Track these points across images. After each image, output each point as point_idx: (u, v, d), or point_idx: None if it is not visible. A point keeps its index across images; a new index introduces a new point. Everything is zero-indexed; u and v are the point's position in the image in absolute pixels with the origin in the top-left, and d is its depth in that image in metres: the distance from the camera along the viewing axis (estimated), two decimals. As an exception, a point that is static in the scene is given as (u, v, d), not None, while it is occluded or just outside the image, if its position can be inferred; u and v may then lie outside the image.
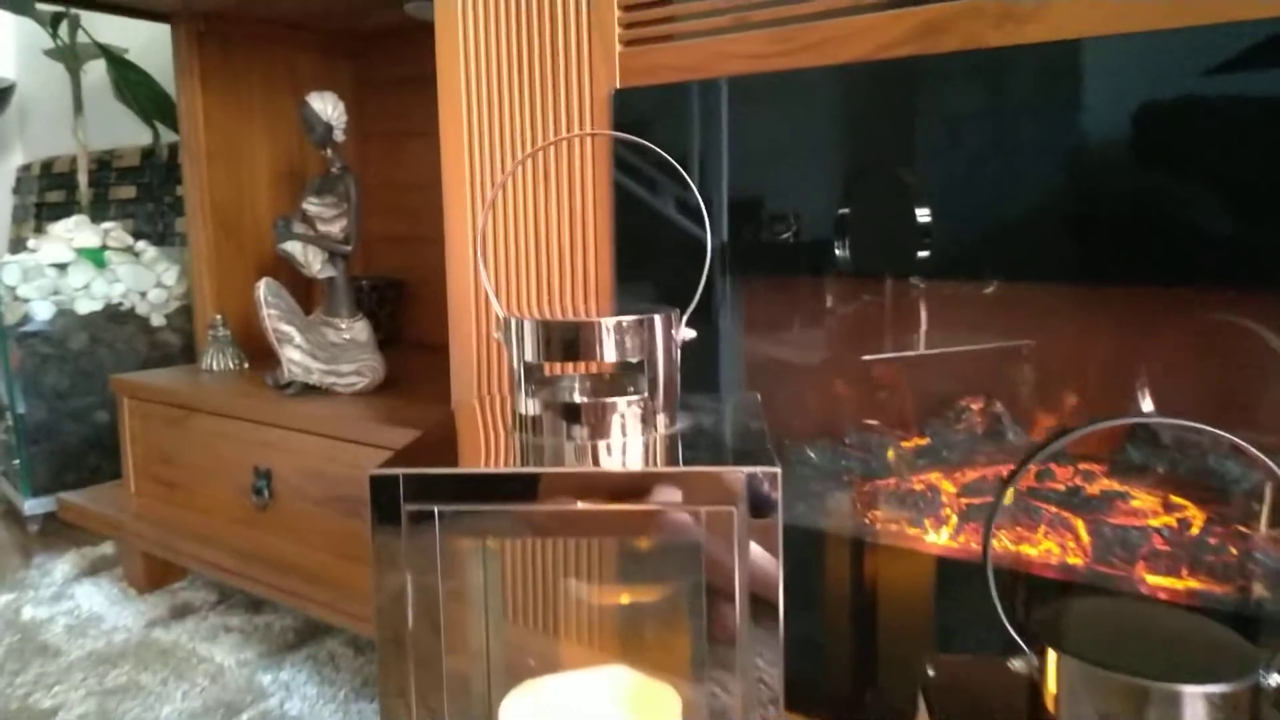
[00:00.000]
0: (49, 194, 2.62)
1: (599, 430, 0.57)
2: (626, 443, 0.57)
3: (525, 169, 0.92)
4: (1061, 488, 0.73)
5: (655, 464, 0.53)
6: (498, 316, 0.60)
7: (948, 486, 0.78)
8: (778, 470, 0.50)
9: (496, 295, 0.91)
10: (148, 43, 2.11)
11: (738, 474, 0.50)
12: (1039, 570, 0.72)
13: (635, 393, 0.59)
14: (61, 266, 1.93)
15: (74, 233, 1.99)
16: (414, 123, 1.78)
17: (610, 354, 0.56)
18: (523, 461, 0.54)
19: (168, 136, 2.20)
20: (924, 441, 0.80)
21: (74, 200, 2.42)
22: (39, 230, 2.45)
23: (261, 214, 1.70)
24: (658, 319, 0.58)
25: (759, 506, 0.50)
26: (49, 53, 2.19)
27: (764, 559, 0.51)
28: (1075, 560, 0.72)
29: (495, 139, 0.94)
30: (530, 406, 0.58)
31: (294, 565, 1.22)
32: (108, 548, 1.69)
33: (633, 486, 0.51)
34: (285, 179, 1.75)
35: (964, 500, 0.77)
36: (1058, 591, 0.71)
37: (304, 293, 1.57)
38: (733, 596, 0.51)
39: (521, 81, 0.92)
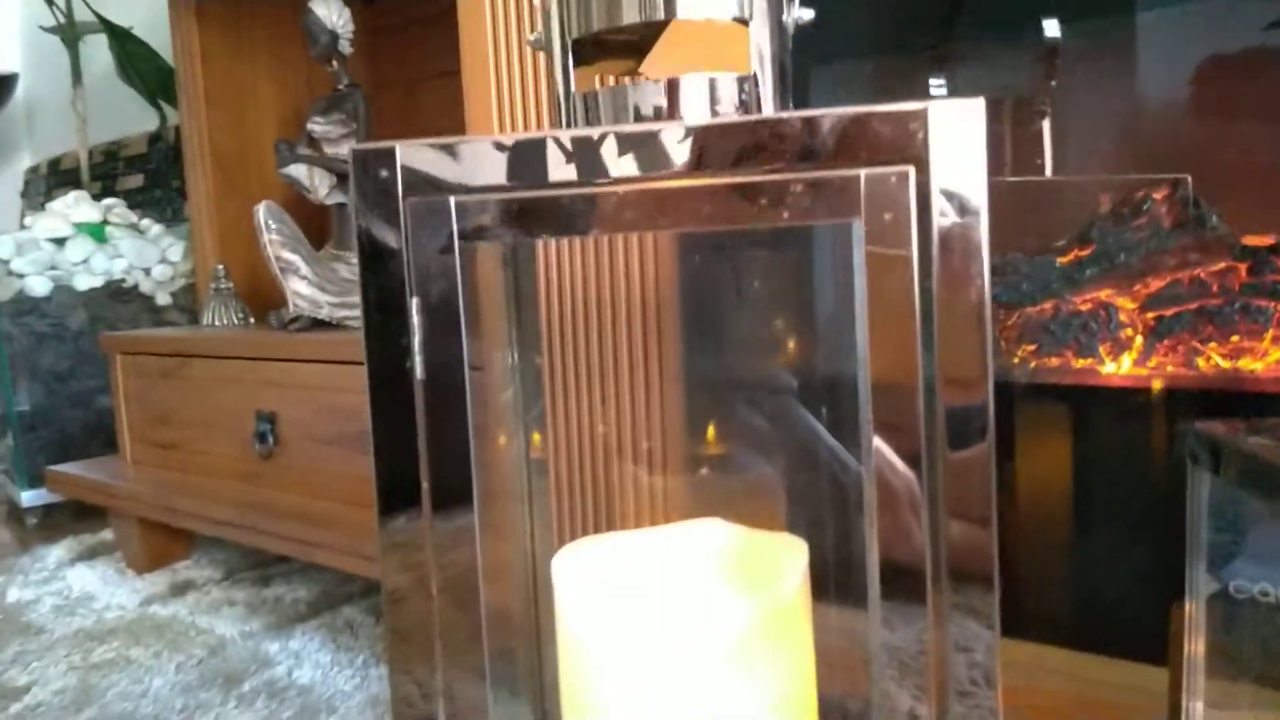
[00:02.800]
0: (57, 191, 2.51)
1: (682, 117, 0.39)
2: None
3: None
4: (1294, 277, 0.55)
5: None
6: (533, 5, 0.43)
7: (1126, 303, 0.60)
8: (980, 100, 0.32)
9: None
10: (151, 21, 2.00)
11: (919, 111, 0.32)
12: (1269, 388, 0.53)
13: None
14: (59, 241, 1.80)
15: (73, 208, 1.86)
16: (432, 65, 1.63)
17: (697, 4, 0.39)
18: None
19: (174, 119, 2.07)
20: (1087, 251, 0.62)
21: (82, 194, 2.30)
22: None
23: (269, 162, 1.55)
24: (761, -27, 0.40)
25: (955, 160, 0.32)
26: (47, 29, 2.09)
27: (963, 246, 0.33)
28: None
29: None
30: (579, 94, 0.40)
31: (301, 514, 1.05)
32: (107, 534, 1.53)
33: (753, 142, 0.34)
34: (294, 125, 1.60)
35: (1152, 314, 0.58)
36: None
37: (314, 233, 1.41)
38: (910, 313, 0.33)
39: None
